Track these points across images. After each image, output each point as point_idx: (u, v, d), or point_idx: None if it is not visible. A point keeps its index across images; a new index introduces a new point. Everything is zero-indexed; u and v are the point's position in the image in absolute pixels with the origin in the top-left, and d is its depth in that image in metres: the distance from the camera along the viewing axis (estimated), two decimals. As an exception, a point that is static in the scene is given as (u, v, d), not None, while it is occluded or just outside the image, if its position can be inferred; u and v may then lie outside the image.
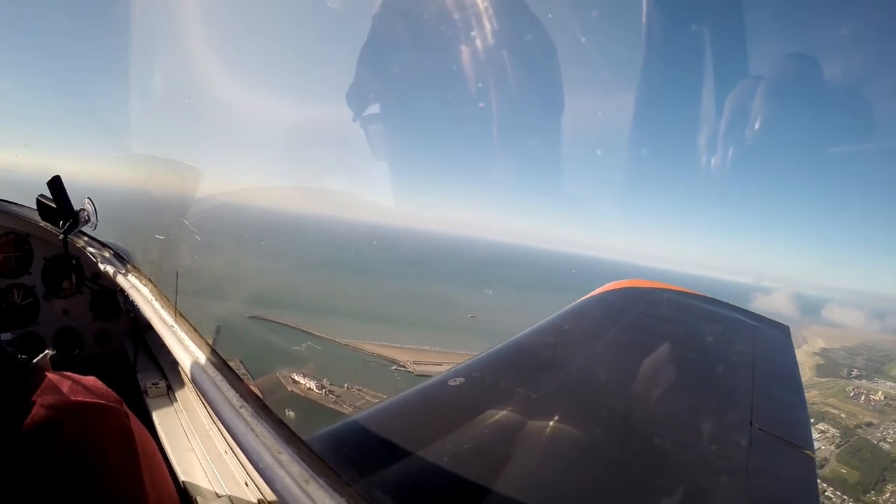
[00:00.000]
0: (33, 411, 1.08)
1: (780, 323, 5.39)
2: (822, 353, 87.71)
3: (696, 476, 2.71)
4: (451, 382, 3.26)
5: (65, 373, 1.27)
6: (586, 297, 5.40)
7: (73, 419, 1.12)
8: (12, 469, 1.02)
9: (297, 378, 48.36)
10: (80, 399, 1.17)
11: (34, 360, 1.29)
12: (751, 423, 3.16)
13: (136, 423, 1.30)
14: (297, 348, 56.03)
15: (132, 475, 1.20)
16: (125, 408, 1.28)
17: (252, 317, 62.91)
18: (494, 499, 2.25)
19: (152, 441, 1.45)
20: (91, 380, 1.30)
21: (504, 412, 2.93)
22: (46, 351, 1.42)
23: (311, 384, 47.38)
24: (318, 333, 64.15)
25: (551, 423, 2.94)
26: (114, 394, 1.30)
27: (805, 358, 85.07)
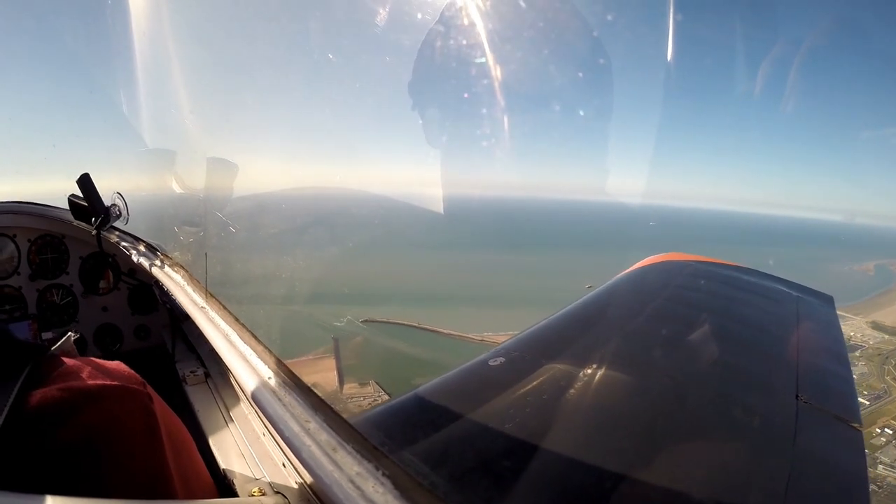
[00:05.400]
0: (49, 395, 1.06)
1: (823, 293, 5.25)
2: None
3: (743, 449, 2.65)
4: (491, 362, 3.25)
5: (87, 358, 1.26)
6: (625, 272, 5.36)
7: (91, 402, 1.09)
8: (21, 454, 1.00)
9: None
10: (99, 382, 1.15)
11: (55, 346, 1.28)
12: (796, 396, 3.08)
13: (161, 405, 1.28)
14: (428, 352, 50.40)
15: (154, 458, 1.17)
16: (148, 389, 1.25)
17: (366, 321, 60.93)
18: (529, 471, 2.24)
19: (181, 424, 1.42)
20: (115, 364, 1.28)
21: (543, 390, 2.91)
22: (69, 334, 1.42)
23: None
24: (446, 331, 60.44)
25: (592, 400, 2.91)
26: (137, 376, 1.28)
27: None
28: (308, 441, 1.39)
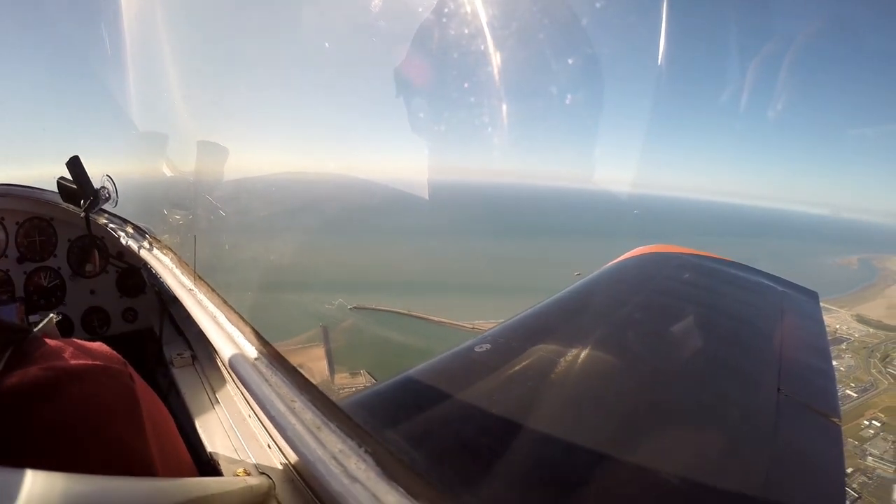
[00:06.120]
0: (30, 374, 1.05)
1: (808, 289, 5.32)
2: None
3: (724, 440, 2.70)
4: (477, 349, 3.29)
5: (70, 339, 1.25)
6: (613, 262, 5.41)
7: (72, 381, 1.09)
8: (1, 432, 0.99)
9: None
10: (80, 362, 1.15)
11: (37, 327, 1.28)
12: (778, 389, 3.13)
13: (143, 386, 1.28)
14: (420, 340, 48.17)
15: (135, 438, 1.17)
16: (130, 370, 1.25)
17: (355, 307, 59.34)
18: (506, 452, 2.29)
19: (162, 406, 1.43)
20: (96, 344, 1.28)
21: (527, 376, 2.96)
22: (51, 315, 1.42)
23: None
24: (436, 319, 59.05)
25: (574, 387, 2.95)
26: (118, 356, 1.27)
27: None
28: (293, 420, 1.41)
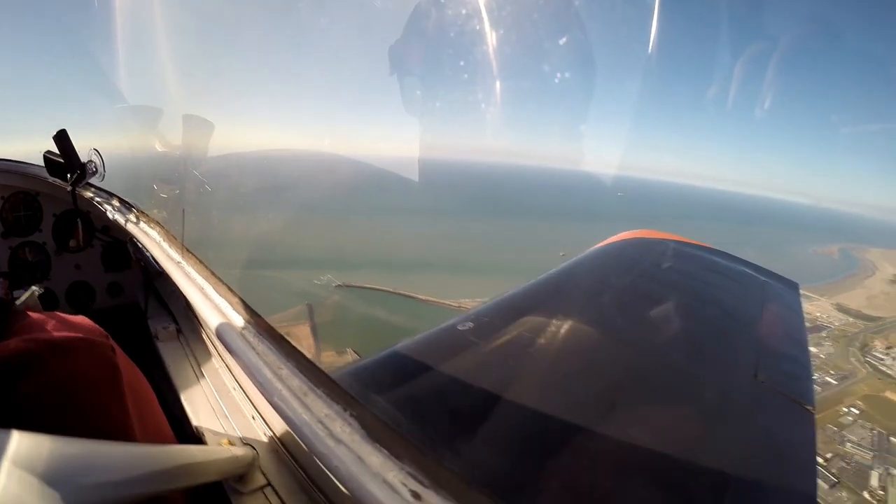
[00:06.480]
0: (12, 346, 1.07)
1: (788, 279, 5.39)
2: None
3: (699, 422, 2.75)
4: (460, 326, 3.32)
5: (52, 312, 1.29)
6: (597, 246, 5.45)
7: (55, 354, 1.11)
8: None
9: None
10: (62, 335, 1.17)
11: (20, 301, 1.29)
12: (754, 375, 3.19)
13: (124, 359, 1.31)
14: (407, 319, 47.40)
15: (117, 409, 1.20)
16: (111, 342, 1.27)
17: (339, 285, 58.51)
18: (485, 420, 2.35)
19: (144, 378, 1.46)
20: (79, 318, 1.31)
21: (507, 353, 3.01)
22: (33, 289, 1.43)
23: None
24: (422, 297, 58.62)
25: (552, 366, 2.99)
26: (100, 329, 1.30)
27: (886, 287, 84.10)
28: (280, 386, 1.44)
